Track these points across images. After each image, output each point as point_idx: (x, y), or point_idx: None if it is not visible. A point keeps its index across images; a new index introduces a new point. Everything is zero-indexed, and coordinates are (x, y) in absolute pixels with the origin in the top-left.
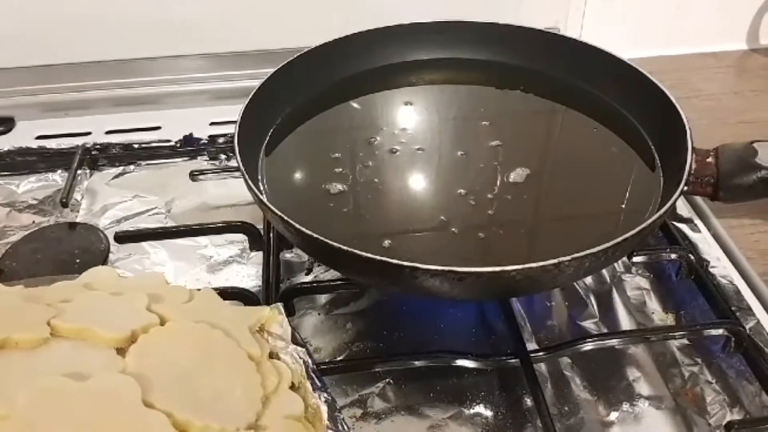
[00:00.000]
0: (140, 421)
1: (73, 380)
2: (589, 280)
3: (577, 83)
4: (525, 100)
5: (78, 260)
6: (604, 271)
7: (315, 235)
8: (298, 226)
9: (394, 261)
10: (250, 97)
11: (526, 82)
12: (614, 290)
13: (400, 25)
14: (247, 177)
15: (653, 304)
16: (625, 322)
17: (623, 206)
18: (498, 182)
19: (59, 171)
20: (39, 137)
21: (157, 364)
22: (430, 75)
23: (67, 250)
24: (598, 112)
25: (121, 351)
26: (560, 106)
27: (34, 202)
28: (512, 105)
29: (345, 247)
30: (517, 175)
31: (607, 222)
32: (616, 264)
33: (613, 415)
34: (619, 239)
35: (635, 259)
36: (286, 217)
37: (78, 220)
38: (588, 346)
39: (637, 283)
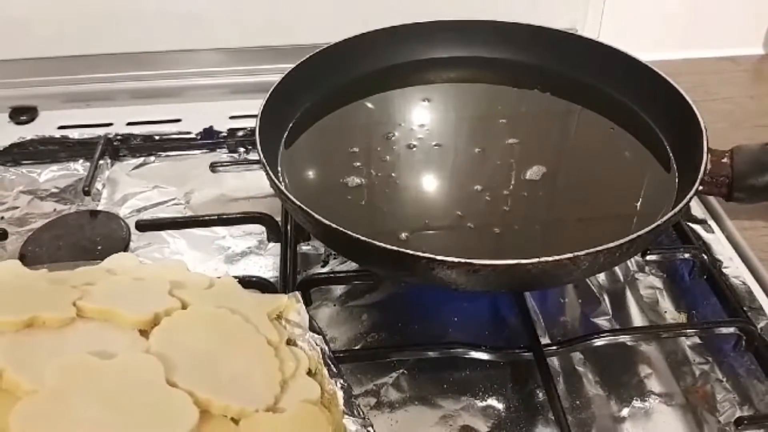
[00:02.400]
0: (164, 399)
1: (99, 358)
2: (602, 278)
3: (594, 83)
4: (542, 99)
5: (99, 247)
6: (617, 270)
7: (335, 226)
8: (318, 216)
9: (412, 252)
10: (271, 91)
11: (544, 81)
12: (627, 288)
13: (418, 23)
14: (268, 169)
15: (666, 303)
16: (638, 320)
17: (638, 205)
18: (514, 179)
19: (80, 160)
20: (61, 127)
21: (179, 346)
22: (448, 73)
23: (88, 237)
24: (614, 113)
25: (143, 333)
26: (577, 106)
27: (56, 190)
28: (529, 104)
29: (364, 238)
30: (534, 172)
31: (622, 220)
32: (629, 262)
33: (625, 411)
34: (634, 236)
35: (649, 257)
36: (306, 208)
37: (99, 208)
38: (600, 342)
39: (650, 282)
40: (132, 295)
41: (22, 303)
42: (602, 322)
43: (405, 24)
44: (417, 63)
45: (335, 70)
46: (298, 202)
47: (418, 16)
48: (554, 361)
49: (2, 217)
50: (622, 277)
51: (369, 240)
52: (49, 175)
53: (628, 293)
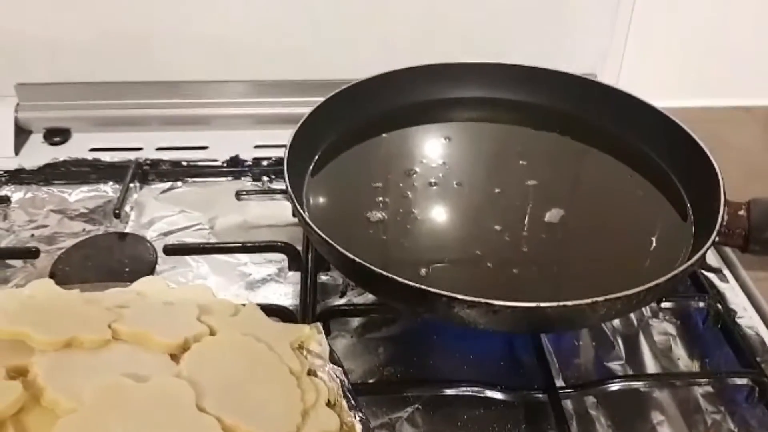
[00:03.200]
0: (194, 423)
1: (133, 380)
2: (617, 322)
3: (613, 129)
4: (562, 143)
5: (127, 269)
6: (632, 315)
7: (358, 260)
8: (341, 249)
9: (433, 289)
10: (300, 123)
11: (563, 124)
12: (641, 334)
13: (443, 63)
14: (294, 200)
15: (679, 350)
16: (651, 366)
17: (654, 252)
18: (533, 221)
19: (110, 183)
20: (92, 149)
21: (208, 372)
22: (470, 113)
23: (117, 259)
24: (632, 159)
25: (173, 357)
26: (596, 151)
27: (85, 210)
28: (549, 146)
29: (386, 273)
30: (552, 215)
31: (639, 267)
32: (644, 308)
33: None
34: (651, 284)
35: (663, 304)
36: (330, 240)
37: (126, 230)
38: (614, 387)
39: (664, 329)
40: (163, 320)
41: (60, 323)
42: (615, 366)
43: (429, 64)
44: (440, 102)
45: (361, 106)
46: (322, 234)
47: (442, 57)
48: (568, 404)
49: (32, 235)
50: (636, 322)
51: (391, 275)
52: (79, 195)
53: (642, 339)
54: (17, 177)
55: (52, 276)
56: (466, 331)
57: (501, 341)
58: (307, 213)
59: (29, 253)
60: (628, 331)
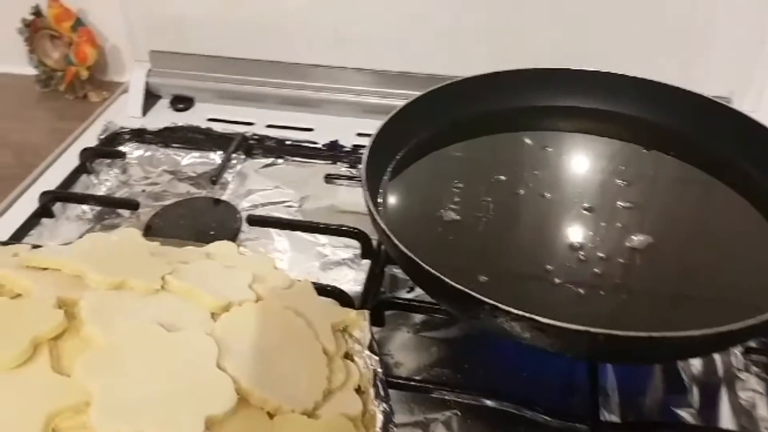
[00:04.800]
0: (209, 379)
1: (165, 329)
2: (698, 368)
3: (739, 161)
4: (673, 167)
5: (212, 232)
6: (718, 363)
7: (409, 254)
8: (395, 240)
9: (476, 294)
10: (390, 115)
11: (680, 148)
12: (724, 386)
13: (554, 68)
14: (366, 187)
15: (765, 412)
16: (728, 422)
17: (746, 295)
18: (614, 244)
19: (219, 152)
20: (210, 119)
21: (238, 335)
22: (578, 123)
23: (206, 222)
24: (753, 195)
25: (215, 316)
26: (712, 179)
27: (193, 174)
28: (657, 169)
29: (434, 271)
30: (639, 241)
31: (721, 308)
32: (733, 359)
33: None
34: (723, 328)
35: (754, 357)
36: (387, 231)
37: (224, 198)
38: None
39: (752, 385)
40: (216, 281)
41: (119, 266)
42: (684, 413)
43: (539, 68)
44: (546, 109)
45: (461, 104)
46: (380, 221)
47: (554, 62)
48: None
49: (143, 190)
50: (721, 372)
51: (438, 275)
52: (190, 160)
53: (724, 391)
54: (140, 136)
55: (148, 228)
56: (524, 348)
57: (561, 364)
58: (383, 204)
59: (130, 205)
60: (709, 380)
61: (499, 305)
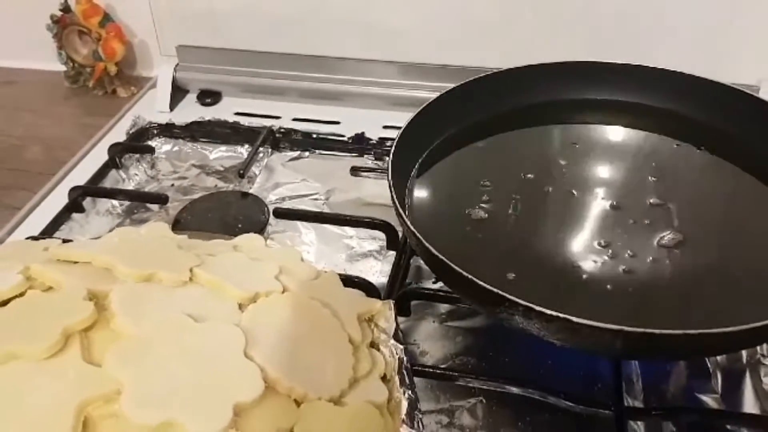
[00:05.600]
0: (236, 367)
1: (193, 320)
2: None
3: None
4: (704, 162)
5: (239, 225)
6: (743, 350)
7: (434, 251)
8: (419, 236)
9: (496, 290)
10: (417, 111)
11: (712, 142)
12: (748, 372)
13: (584, 62)
14: (391, 182)
15: None
16: (751, 407)
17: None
18: (643, 242)
19: (246, 146)
20: (237, 113)
21: (266, 325)
22: (607, 116)
23: (233, 215)
24: None
25: (242, 307)
26: (747, 176)
27: (221, 168)
28: (688, 164)
29: (462, 271)
30: (668, 239)
31: (754, 304)
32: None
33: None
34: (759, 324)
35: None
36: (411, 226)
37: (251, 191)
38: (694, 418)
39: None
40: (243, 273)
41: (148, 259)
42: (708, 399)
43: (569, 61)
44: (576, 102)
45: (491, 99)
46: (407, 220)
47: (584, 55)
48: (641, 427)
49: (172, 184)
50: (745, 359)
51: (469, 275)
52: (218, 154)
53: (748, 377)
54: (168, 131)
55: (176, 222)
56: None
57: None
58: (409, 200)
59: (159, 199)
60: (733, 366)
61: (534, 306)
